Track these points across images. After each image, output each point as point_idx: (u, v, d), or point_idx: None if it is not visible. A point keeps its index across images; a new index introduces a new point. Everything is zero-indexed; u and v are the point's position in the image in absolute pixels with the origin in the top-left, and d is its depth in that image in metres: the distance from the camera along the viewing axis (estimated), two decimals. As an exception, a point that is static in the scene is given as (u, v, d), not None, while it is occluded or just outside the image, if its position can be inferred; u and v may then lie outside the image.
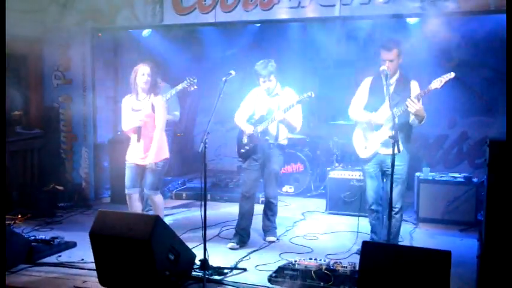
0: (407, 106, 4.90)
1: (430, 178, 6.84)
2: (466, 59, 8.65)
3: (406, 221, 6.67)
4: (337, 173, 7.36)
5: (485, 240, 4.58)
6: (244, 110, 6.00)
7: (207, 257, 4.77)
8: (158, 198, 6.00)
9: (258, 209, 6.25)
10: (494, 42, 8.01)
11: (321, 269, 4.58)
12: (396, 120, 4.75)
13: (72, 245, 5.74)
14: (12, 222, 6.57)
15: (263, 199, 6.49)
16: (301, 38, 8.75)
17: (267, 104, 5.88)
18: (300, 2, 6.82)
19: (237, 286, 4.63)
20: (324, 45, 8.93)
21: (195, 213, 7.29)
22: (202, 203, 4.77)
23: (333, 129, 8.56)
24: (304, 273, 4.56)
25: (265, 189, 6.04)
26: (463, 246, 5.88)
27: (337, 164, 7.74)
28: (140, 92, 5.82)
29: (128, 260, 4.30)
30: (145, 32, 8.51)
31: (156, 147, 5.76)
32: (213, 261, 4.95)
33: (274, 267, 4.88)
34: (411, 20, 7.26)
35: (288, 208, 7.70)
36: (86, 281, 4.72)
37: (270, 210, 6.08)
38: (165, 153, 5.92)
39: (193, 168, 9.18)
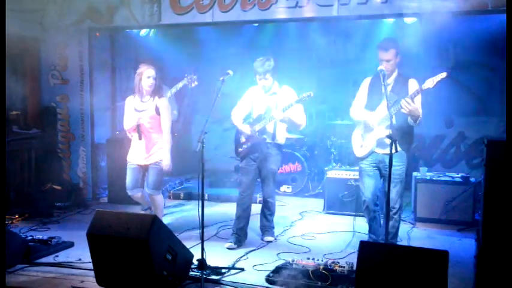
0: (401, 106, 4.89)
1: (428, 178, 6.85)
2: (463, 58, 8.66)
3: (404, 220, 6.67)
4: (334, 173, 7.36)
5: (482, 239, 4.60)
6: (241, 108, 5.99)
7: (204, 256, 4.77)
8: (159, 197, 6.11)
9: (256, 208, 6.25)
10: (492, 42, 8.02)
11: (318, 269, 4.59)
12: (394, 119, 4.74)
13: (69, 244, 5.74)
14: (10, 222, 6.55)
15: (261, 199, 6.49)
16: (298, 38, 8.74)
17: (265, 103, 5.88)
18: (297, 2, 6.82)
19: (234, 286, 4.62)
20: (321, 45, 8.94)
21: (192, 213, 7.30)
22: (200, 202, 4.77)
23: (331, 129, 8.55)
24: (302, 273, 4.57)
25: (263, 188, 6.04)
26: (460, 246, 5.89)
27: (334, 164, 7.75)
28: (145, 94, 5.91)
29: (125, 260, 4.29)
30: (143, 32, 8.51)
31: (168, 149, 5.92)
32: (211, 261, 4.94)
33: (272, 267, 4.90)
34: (408, 20, 7.27)
35: (286, 208, 7.70)
36: (83, 281, 4.72)
37: (267, 209, 6.08)
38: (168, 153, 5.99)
39: (190, 168, 9.17)
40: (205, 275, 4.71)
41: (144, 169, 6.03)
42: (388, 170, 4.90)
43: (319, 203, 7.71)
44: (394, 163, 4.45)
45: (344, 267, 4.63)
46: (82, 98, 8.12)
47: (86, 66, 8.09)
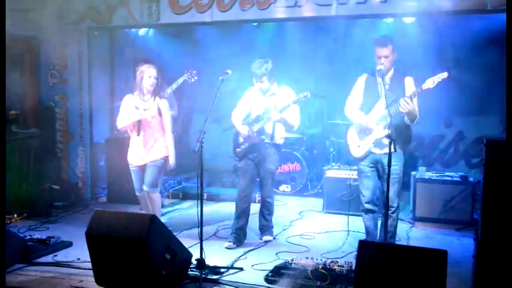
0: (399, 105, 4.87)
1: (427, 177, 6.85)
2: (462, 58, 8.65)
3: (403, 220, 6.69)
4: (333, 172, 7.36)
5: (481, 239, 4.60)
6: (241, 109, 6.00)
7: (203, 256, 4.78)
8: (156, 195, 6.10)
9: (255, 208, 6.25)
10: (491, 41, 8.02)
11: (317, 268, 4.59)
12: (388, 119, 4.71)
13: (68, 244, 5.74)
14: (8, 221, 6.54)
15: (259, 198, 6.48)
16: (297, 37, 8.74)
17: (264, 103, 5.88)
18: (296, 2, 6.81)
19: (233, 285, 4.62)
20: (320, 44, 8.94)
21: (191, 213, 7.28)
22: (199, 202, 4.77)
23: (330, 129, 8.55)
24: (301, 273, 4.57)
25: (262, 188, 6.04)
26: (459, 245, 5.89)
27: (333, 163, 7.74)
28: (145, 93, 5.93)
29: (124, 259, 4.29)
30: (142, 31, 8.50)
31: (172, 147, 5.97)
32: (210, 261, 4.95)
33: (271, 267, 4.90)
34: (407, 20, 7.27)
35: (285, 207, 7.70)
36: (82, 281, 4.71)
37: (266, 209, 6.08)
38: (166, 152, 6.00)
39: (189, 168, 9.17)
40: (204, 274, 4.71)
41: (143, 168, 6.03)
42: (385, 169, 4.92)
43: (318, 203, 7.71)
44: (391, 162, 4.44)
45: (343, 266, 4.64)
46: (81, 97, 8.11)
47: (85, 65, 8.09)
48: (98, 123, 8.44)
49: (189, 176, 9.42)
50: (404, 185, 5.76)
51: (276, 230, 6.27)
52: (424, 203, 6.74)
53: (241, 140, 5.94)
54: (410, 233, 6.35)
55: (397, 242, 5.57)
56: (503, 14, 5.89)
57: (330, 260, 4.79)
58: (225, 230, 6.34)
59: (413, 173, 7.04)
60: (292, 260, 4.85)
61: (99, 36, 8.34)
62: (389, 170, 4.48)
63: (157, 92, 5.96)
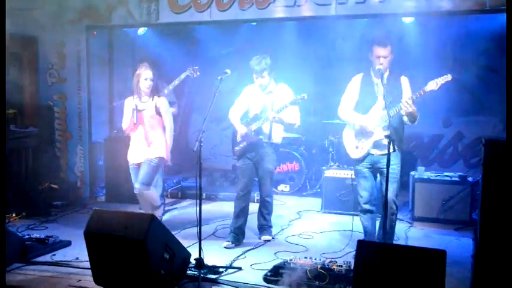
0: (401, 108, 4.85)
1: (425, 177, 6.85)
2: (461, 58, 8.67)
3: (401, 220, 6.68)
4: (332, 172, 7.36)
5: (480, 239, 4.60)
6: (238, 108, 6.00)
7: (202, 256, 4.77)
8: (149, 193, 6.17)
9: (254, 207, 6.25)
10: (490, 41, 8.04)
11: (316, 268, 4.59)
12: (387, 120, 4.70)
13: (66, 243, 5.73)
14: (7, 221, 6.54)
15: (258, 198, 6.48)
16: (296, 37, 8.75)
17: (262, 102, 5.88)
18: (295, 1, 6.82)
19: (232, 285, 4.62)
20: (319, 44, 8.95)
21: (190, 212, 7.26)
22: (197, 201, 4.77)
23: (329, 128, 8.54)
24: (300, 272, 4.56)
25: (260, 188, 6.04)
26: (458, 245, 5.89)
27: (332, 163, 7.74)
28: (143, 95, 6.03)
29: (122, 259, 4.29)
30: (141, 31, 8.50)
31: (170, 146, 6.08)
32: (208, 260, 4.94)
33: (270, 266, 4.89)
34: (406, 19, 7.27)
35: (284, 207, 7.70)
36: (80, 280, 4.71)
37: (265, 209, 6.08)
38: (163, 153, 6.06)
39: (188, 167, 9.16)
40: (202, 274, 4.71)
41: (140, 166, 6.09)
42: (383, 169, 4.92)
43: (316, 202, 7.71)
44: (390, 163, 4.44)
45: (342, 266, 4.63)
46: (79, 96, 8.11)
47: (84, 65, 8.08)
48: (97, 123, 8.43)
49: (188, 175, 9.42)
50: (403, 185, 5.76)
51: (274, 230, 6.27)
52: (422, 203, 6.74)
53: (239, 139, 5.94)
54: (409, 233, 6.35)
55: (395, 242, 5.58)
56: (501, 14, 5.90)
57: (328, 260, 4.79)
58: (223, 230, 6.34)
59: (412, 172, 7.03)
60: (290, 260, 4.84)
61: (98, 36, 8.34)
62: (388, 170, 4.48)
63: (154, 92, 6.04)
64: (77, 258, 5.20)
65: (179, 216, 7.21)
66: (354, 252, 3.96)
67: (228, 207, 6.72)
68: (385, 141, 4.56)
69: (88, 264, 4.55)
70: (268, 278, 4.66)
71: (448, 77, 4.66)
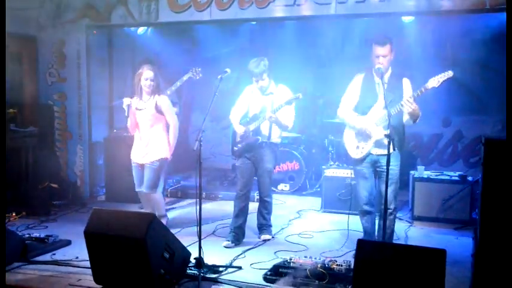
0: (402, 106, 4.85)
1: (425, 177, 6.85)
2: (460, 57, 8.66)
3: (401, 219, 6.69)
4: (332, 171, 7.36)
5: (479, 238, 4.60)
6: (238, 108, 6.01)
7: (202, 255, 4.77)
8: (155, 196, 6.22)
9: (253, 207, 6.25)
10: (489, 40, 8.03)
11: (316, 267, 4.58)
12: (387, 120, 4.70)
13: (66, 243, 5.74)
14: (7, 220, 6.54)
15: (258, 197, 6.48)
16: (296, 36, 8.75)
17: (261, 103, 5.88)
18: (295, 0, 6.81)
19: (232, 284, 4.62)
20: (319, 43, 8.94)
21: (190, 211, 7.27)
22: (197, 201, 4.77)
23: (328, 128, 8.54)
24: (300, 272, 4.56)
25: (260, 187, 6.05)
26: (457, 244, 5.89)
27: (332, 162, 7.73)
28: (144, 94, 6.03)
29: (122, 258, 4.29)
30: (141, 30, 8.50)
31: (173, 144, 6.10)
32: (208, 260, 4.94)
33: (270, 266, 4.89)
34: (406, 19, 7.27)
35: (283, 206, 7.70)
36: (80, 279, 4.71)
37: (264, 208, 6.08)
38: (164, 153, 6.06)
39: (188, 166, 9.16)
40: (202, 273, 4.71)
41: (142, 167, 6.09)
42: (383, 169, 4.92)
43: (316, 202, 7.71)
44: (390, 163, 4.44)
45: (341, 265, 4.63)
46: (79, 96, 8.11)
47: (84, 64, 8.08)
48: (97, 122, 8.42)
49: (188, 174, 9.42)
50: (403, 184, 5.75)
51: (274, 229, 6.27)
52: (422, 202, 6.74)
53: (238, 139, 5.95)
54: (409, 232, 6.35)
55: (395, 241, 5.58)
56: (501, 13, 5.90)
57: (328, 259, 4.78)
58: (223, 229, 6.34)
59: (412, 172, 7.04)
60: (290, 259, 4.84)
61: (97, 35, 8.33)
62: (387, 170, 4.48)
63: (155, 91, 6.03)
64: (77, 258, 5.20)
65: (179, 215, 7.21)
66: (354, 252, 3.95)
67: (227, 207, 6.72)
68: (386, 141, 4.56)
69: (88, 264, 4.55)
70: (268, 277, 4.66)
71: (450, 74, 4.64)
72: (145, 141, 6.04)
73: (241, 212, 5.94)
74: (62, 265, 5.08)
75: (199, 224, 4.78)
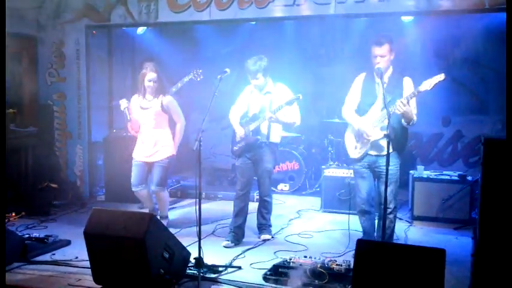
0: (395, 106, 4.84)
1: (425, 176, 6.85)
2: (460, 57, 8.67)
3: (401, 219, 6.68)
4: (332, 171, 7.36)
5: (479, 238, 4.59)
6: (238, 108, 6.01)
7: (201, 255, 4.77)
8: (164, 194, 6.33)
9: (253, 207, 6.25)
10: (489, 40, 8.03)
11: (316, 267, 4.58)
12: (386, 120, 4.69)
13: (66, 243, 5.74)
14: (7, 220, 6.54)
15: (258, 197, 6.49)
16: (296, 36, 8.75)
17: (260, 102, 5.87)
18: (295, 0, 6.81)
19: (231, 284, 4.62)
20: (318, 43, 8.94)
21: (189, 211, 7.27)
22: (197, 200, 4.77)
23: (328, 127, 8.55)
24: (299, 272, 4.56)
25: (259, 187, 6.05)
26: (457, 244, 5.89)
27: (332, 162, 7.74)
28: (147, 94, 6.12)
29: (122, 258, 4.29)
30: (140, 30, 8.50)
31: (178, 142, 6.25)
32: (208, 259, 4.94)
33: (269, 265, 4.89)
34: (406, 18, 7.27)
35: (283, 206, 7.70)
36: (80, 279, 4.71)
37: (264, 208, 6.08)
38: (172, 150, 6.22)
39: (188, 166, 9.16)
40: (202, 273, 4.71)
41: (149, 166, 6.19)
42: (381, 170, 4.91)
43: (316, 202, 7.71)
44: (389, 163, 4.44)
45: (341, 265, 4.63)
46: (79, 96, 8.10)
47: (83, 64, 8.07)
48: (96, 122, 8.42)
49: (188, 174, 9.41)
50: (403, 184, 5.74)
51: (274, 229, 6.27)
52: (422, 202, 6.73)
53: (237, 138, 5.95)
54: (408, 232, 6.35)
55: (395, 241, 5.57)
56: (501, 13, 5.90)
57: (328, 259, 4.78)
58: (223, 229, 6.34)
59: (411, 171, 7.04)
60: (290, 259, 4.84)
61: (97, 35, 8.33)
62: (387, 170, 4.48)
63: (159, 91, 6.11)
64: (77, 258, 5.21)
65: (179, 215, 7.21)
66: (354, 251, 3.95)
67: (227, 207, 6.72)
68: (383, 142, 4.55)
69: (87, 264, 4.55)
70: (267, 277, 4.66)
71: (441, 77, 4.61)
72: (152, 140, 6.11)
73: (241, 212, 5.94)
74: (62, 265, 5.08)
75: (199, 224, 4.78)
